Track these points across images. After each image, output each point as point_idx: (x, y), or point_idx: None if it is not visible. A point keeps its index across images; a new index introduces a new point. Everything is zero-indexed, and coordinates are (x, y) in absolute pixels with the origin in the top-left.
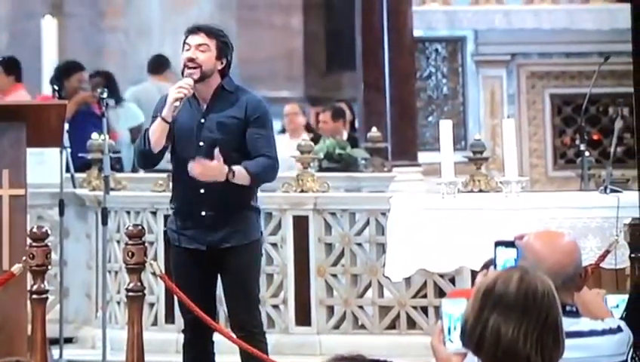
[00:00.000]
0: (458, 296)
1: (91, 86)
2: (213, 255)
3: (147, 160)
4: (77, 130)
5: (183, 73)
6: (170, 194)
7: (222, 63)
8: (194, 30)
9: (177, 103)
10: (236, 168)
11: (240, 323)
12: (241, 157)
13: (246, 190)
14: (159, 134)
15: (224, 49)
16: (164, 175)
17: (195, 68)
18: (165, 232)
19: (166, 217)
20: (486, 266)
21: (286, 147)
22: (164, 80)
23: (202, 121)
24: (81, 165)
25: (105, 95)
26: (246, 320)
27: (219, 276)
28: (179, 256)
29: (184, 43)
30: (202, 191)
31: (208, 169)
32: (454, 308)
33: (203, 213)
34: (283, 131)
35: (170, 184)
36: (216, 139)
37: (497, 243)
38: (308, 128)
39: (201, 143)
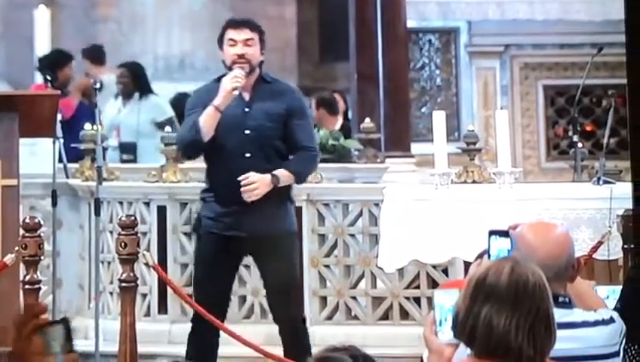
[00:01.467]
0: (451, 286)
1: (117, 77)
2: (250, 242)
3: (196, 149)
4: (72, 120)
5: (231, 68)
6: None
7: (262, 55)
8: (237, 25)
9: (236, 92)
10: (278, 173)
11: (287, 310)
12: (283, 145)
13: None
14: (211, 123)
15: (264, 41)
16: (157, 165)
17: (244, 63)
18: (197, 219)
19: (160, 208)
20: (480, 256)
21: None
22: (106, 71)
23: (247, 110)
24: (76, 157)
25: (98, 86)
26: (292, 306)
27: (254, 266)
28: (211, 243)
29: (224, 37)
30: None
31: (259, 188)
32: (446, 299)
33: (249, 201)
34: None
35: (206, 172)
36: (262, 126)
37: (491, 233)
38: None
39: (247, 131)
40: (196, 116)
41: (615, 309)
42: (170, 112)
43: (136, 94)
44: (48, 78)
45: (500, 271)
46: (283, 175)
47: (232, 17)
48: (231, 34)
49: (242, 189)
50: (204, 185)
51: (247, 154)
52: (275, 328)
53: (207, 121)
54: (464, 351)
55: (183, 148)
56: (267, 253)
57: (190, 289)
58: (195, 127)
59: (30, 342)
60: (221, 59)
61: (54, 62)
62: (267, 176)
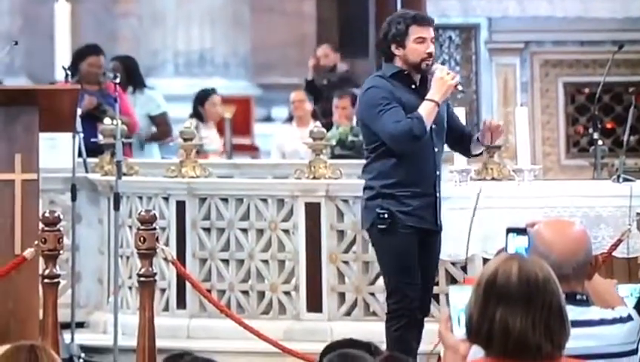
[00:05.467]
0: (472, 283)
1: (110, 70)
2: (433, 234)
3: (418, 143)
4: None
5: (420, 65)
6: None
7: None
8: (424, 22)
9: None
10: None
11: (428, 302)
12: None
13: None
14: (433, 119)
15: None
16: (177, 160)
17: (430, 59)
18: (389, 214)
19: (179, 203)
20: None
21: (294, 137)
22: None
23: None
24: (95, 150)
25: (118, 80)
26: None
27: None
28: (409, 235)
29: (408, 33)
30: (438, 173)
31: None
32: (458, 298)
33: (438, 194)
34: (290, 119)
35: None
36: (443, 119)
37: (509, 230)
38: (314, 115)
39: (434, 125)
40: (401, 110)
41: (635, 307)
42: (165, 106)
43: (130, 88)
44: (65, 68)
45: (508, 271)
46: None
47: (415, 13)
48: (419, 31)
49: (498, 129)
50: (383, 180)
51: (436, 149)
52: (292, 323)
53: (430, 116)
54: (479, 350)
55: (412, 140)
56: (436, 243)
57: (208, 285)
58: (422, 123)
59: None
60: (382, 51)
61: (77, 55)
62: None
